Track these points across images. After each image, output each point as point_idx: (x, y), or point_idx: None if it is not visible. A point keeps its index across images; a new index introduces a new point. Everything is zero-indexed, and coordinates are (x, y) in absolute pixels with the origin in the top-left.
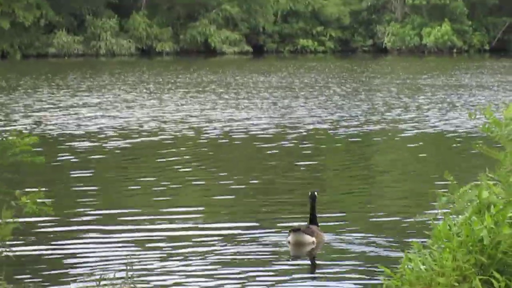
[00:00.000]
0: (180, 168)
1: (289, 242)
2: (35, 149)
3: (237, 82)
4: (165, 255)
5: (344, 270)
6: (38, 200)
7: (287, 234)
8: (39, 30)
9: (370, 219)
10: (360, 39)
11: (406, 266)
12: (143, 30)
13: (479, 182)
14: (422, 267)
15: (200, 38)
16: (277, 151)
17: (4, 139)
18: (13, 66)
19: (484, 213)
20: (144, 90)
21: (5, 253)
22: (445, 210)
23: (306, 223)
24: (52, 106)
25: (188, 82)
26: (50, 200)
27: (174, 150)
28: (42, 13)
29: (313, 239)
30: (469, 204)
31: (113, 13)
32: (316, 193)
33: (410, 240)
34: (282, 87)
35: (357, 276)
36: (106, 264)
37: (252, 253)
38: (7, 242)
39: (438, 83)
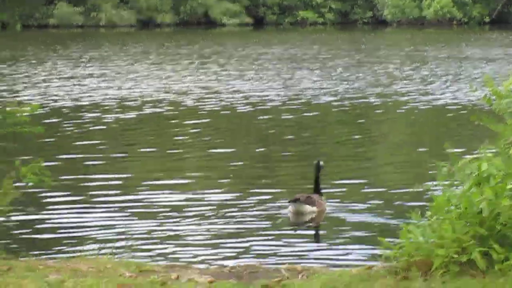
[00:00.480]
0: (182, 139)
1: (290, 212)
2: (39, 120)
3: (240, 54)
4: (164, 223)
5: (343, 240)
6: (38, 171)
7: (287, 204)
8: (39, 1)
9: (371, 189)
10: (359, 11)
11: (405, 238)
12: (144, 1)
13: (479, 154)
14: (421, 238)
15: (200, 9)
16: (279, 122)
17: (3, 108)
18: (14, 36)
19: (484, 185)
20: (147, 61)
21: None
22: (445, 182)
23: (308, 192)
24: (56, 76)
25: (189, 53)
26: (48, 169)
27: (176, 121)
28: None
29: (314, 208)
30: (469, 175)
31: None
32: (321, 162)
33: (410, 211)
34: (284, 59)
35: (357, 247)
36: (106, 233)
37: (251, 222)
38: (7, 213)
39: (441, 55)
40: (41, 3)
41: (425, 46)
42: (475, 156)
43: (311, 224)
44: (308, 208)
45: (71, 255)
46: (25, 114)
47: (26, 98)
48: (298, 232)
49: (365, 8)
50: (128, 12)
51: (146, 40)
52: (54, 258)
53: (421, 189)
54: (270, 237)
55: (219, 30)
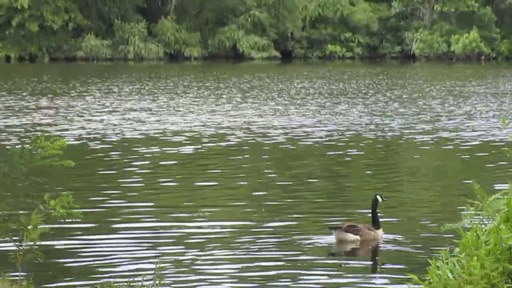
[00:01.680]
0: (244, 174)
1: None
2: (81, 152)
3: (278, 88)
4: (194, 254)
5: (373, 274)
6: (67, 204)
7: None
8: (67, 34)
9: (403, 223)
10: (388, 45)
11: (434, 274)
12: (171, 34)
13: (508, 190)
14: (450, 275)
15: (228, 43)
16: (327, 157)
17: (32, 142)
18: (43, 69)
19: None
20: (189, 95)
21: (33, 256)
22: (473, 219)
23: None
24: (98, 110)
25: (228, 87)
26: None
27: (221, 156)
28: (70, 16)
29: (356, 237)
30: (497, 212)
31: (141, 17)
32: (378, 196)
33: (438, 247)
34: (325, 93)
35: (387, 281)
36: (135, 264)
37: (282, 253)
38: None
39: (480, 91)
40: (69, 36)
41: (461, 81)
42: (504, 191)
43: (346, 254)
44: (350, 236)
45: (100, 285)
46: (55, 148)
47: (68, 131)
48: (328, 263)
49: (393, 43)
50: (155, 46)
51: (180, 74)
52: None
53: (448, 228)
54: (299, 269)
55: (248, 63)
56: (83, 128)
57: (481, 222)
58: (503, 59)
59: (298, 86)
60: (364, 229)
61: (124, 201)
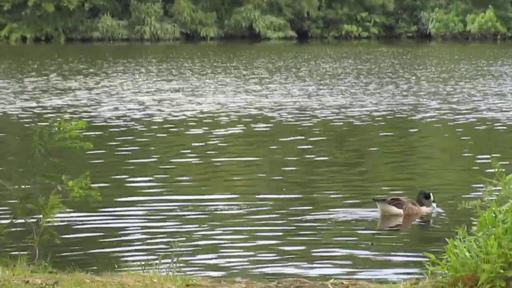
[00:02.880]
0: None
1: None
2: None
3: (306, 68)
4: (212, 235)
5: (391, 254)
6: (85, 185)
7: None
8: (83, 14)
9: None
10: (404, 25)
11: (451, 253)
12: (188, 14)
13: None
14: (467, 254)
15: (244, 23)
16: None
17: (51, 123)
18: (63, 50)
19: None
20: (221, 75)
21: (51, 237)
22: (491, 198)
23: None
24: (133, 90)
25: (258, 67)
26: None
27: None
28: None
29: (400, 211)
30: None
31: None
32: (425, 193)
33: (457, 226)
34: (356, 73)
35: (404, 260)
36: (152, 247)
37: (300, 234)
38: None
39: (507, 70)
40: (85, 17)
41: (486, 60)
42: None
43: (376, 231)
44: (393, 209)
45: (118, 269)
46: (76, 130)
47: (102, 112)
48: (345, 244)
49: (409, 22)
50: (172, 26)
51: (202, 54)
52: (101, 273)
53: (466, 207)
54: (317, 249)
55: (264, 43)
56: (116, 108)
57: (500, 200)
58: None
59: (326, 66)
60: (408, 204)
61: (145, 179)
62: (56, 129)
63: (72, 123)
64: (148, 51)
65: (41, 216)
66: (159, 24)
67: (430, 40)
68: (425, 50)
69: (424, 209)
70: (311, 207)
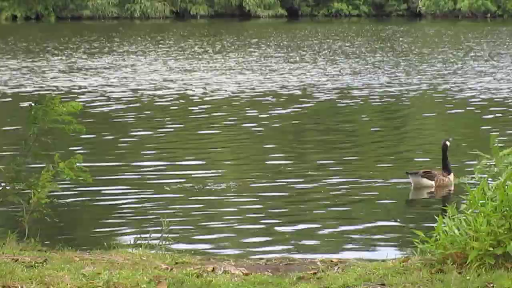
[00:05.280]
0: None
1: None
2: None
3: (316, 47)
4: (201, 215)
5: (380, 232)
6: (75, 166)
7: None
8: None
9: (403, 183)
10: (394, 3)
11: (440, 231)
12: None
13: None
14: (457, 231)
15: (234, 1)
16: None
17: (46, 103)
18: (58, 29)
19: None
20: (232, 54)
21: (40, 215)
22: (483, 175)
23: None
24: (147, 68)
25: (267, 45)
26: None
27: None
28: None
29: (431, 182)
30: (506, 168)
31: None
32: (447, 142)
33: (446, 204)
34: (364, 52)
35: (394, 239)
36: (142, 225)
37: (289, 213)
38: (43, 205)
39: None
40: None
41: (484, 38)
42: None
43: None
44: (425, 181)
45: (107, 247)
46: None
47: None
48: (333, 223)
49: (399, 0)
50: (162, 4)
51: (201, 33)
52: (90, 250)
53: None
54: (305, 228)
55: (255, 21)
56: (132, 90)
57: (492, 176)
58: (509, 17)
59: (337, 44)
60: (439, 176)
61: (136, 159)
62: (50, 109)
63: (71, 105)
64: (146, 30)
65: (31, 194)
66: (149, 3)
67: (420, 19)
68: (425, 29)
69: (452, 177)
70: (302, 185)
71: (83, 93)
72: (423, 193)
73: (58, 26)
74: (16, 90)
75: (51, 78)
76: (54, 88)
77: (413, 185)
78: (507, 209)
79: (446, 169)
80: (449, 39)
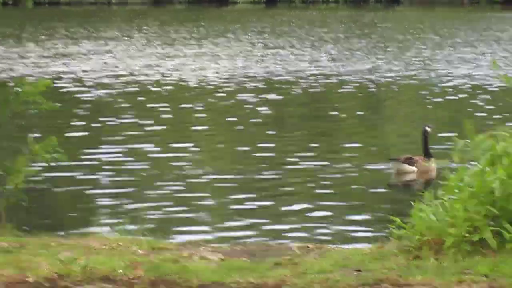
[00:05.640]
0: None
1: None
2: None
3: (297, 34)
4: (178, 200)
5: (356, 218)
6: (51, 149)
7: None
8: None
9: (383, 169)
10: None
11: (417, 217)
12: None
13: (494, 133)
14: (433, 217)
15: None
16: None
17: (16, 84)
18: (29, 13)
19: (497, 164)
20: (216, 40)
21: (17, 200)
22: (459, 161)
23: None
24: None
25: (255, 33)
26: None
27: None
28: None
29: (413, 168)
30: (483, 154)
31: None
32: (427, 128)
33: (423, 190)
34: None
35: (370, 225)
36: (118, 211)
37: (265, 200)
38: (19, 190)
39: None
40: None
41: (467, 25)
42: (490, 133)
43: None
44: (407, 168)
45: (84, 232)
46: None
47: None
48: (311, 208)
49: None
50: None
51: (185, 19)
52: (67, 236)
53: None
54: (282, 215)
55: (232, 8)
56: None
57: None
58: (486, 3)
59: (318, 31)
60: (420, 161)
61: (114, 144)
62: (20, 90)
63: (40, 84)
64: (131, 16)
65: (7, 179)
66: None
67: (398, 4)
68: (411, 16)
69: (434, 163)
70: (281, 171)
71: (63, 79)
72: (405, 179)
73: (36, 11)
74: None
75: (32, 63)
76: (35, 74)
77: (394, 171)
78: (484, 195)
79: (427, 154)
80: (429, 25)
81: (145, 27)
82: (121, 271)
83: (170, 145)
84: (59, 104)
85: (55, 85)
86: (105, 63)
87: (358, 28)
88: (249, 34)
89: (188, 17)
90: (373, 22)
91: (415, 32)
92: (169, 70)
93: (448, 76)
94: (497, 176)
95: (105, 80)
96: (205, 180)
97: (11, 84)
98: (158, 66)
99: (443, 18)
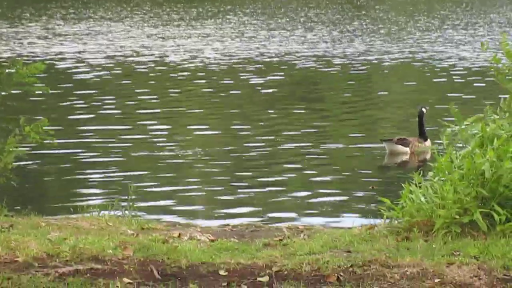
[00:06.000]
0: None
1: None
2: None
3: (281, 12)
4: (168, 181)
5: (346, 199)
6: (41, 130)
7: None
8: None
9: (375, 149)
10: None
11: (406, 198)
12: None
13: (484, 115)
14: (423, 199)
15: None
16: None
17: (9, 65)
18: None
19: (487, 146)
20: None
21: (7, 180)
22: (448, 142)
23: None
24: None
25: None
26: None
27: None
28: None
29: (406, 149)
30: (473, 136)
31: None
32: (423, 109)
33: (413, 172)
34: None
35: (359, 206)
36: (108, 191)
37: (256, 181)
38: (9, 170)
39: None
40: None
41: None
42: (480, 116)
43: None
44: (400, 148)
45: (73, 212)
46: (30, 72)
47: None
48: (300, 190)
49: None
50: None
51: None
52: (56, 216)
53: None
54: (273, 195)
55: None
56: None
57: (457, 145)
58: None
59: (312, 12)
60: (414, 142)
61: (104, 123)
62: (15, 72)
63: (33, 66)
64: None
65: None
66: None
67: None
68: None
69: (429, 144)
70: (271, 152)
71: (61, 59)
72: (397, 159)
73: None
74: None
75: (28, 43)
76: (32, 54)
77: (388, 152)
78: (474, 177)
79: (423, 135)
80: (424, 7)
81: (141, 8)
82: (110, 251)
83: (163, 126)
84: (51, 89)
85: (56, 66)
86: (101, 44)
87: (355, 9)
88: (246, 14)
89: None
90: (368, 3)
91: (412, 14)
92: (164, 51)
93: (444, 58)
94: (486, 158)
95: (101, 61)
96: (197, 161)
97: (4, 64)
98: (152, 48)
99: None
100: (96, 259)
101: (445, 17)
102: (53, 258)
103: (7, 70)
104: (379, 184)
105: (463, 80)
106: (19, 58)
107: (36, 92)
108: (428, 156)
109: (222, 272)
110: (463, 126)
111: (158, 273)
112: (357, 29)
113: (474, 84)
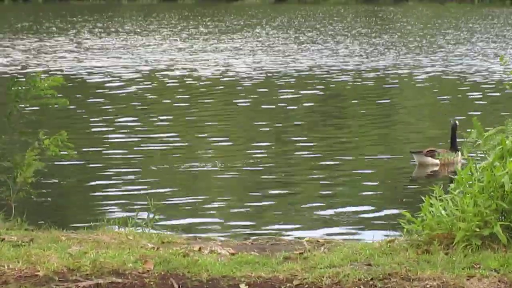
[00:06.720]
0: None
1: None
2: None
3: (332, 29)
4: (189, 194)
5: (367, 213)
6: (61, 143)
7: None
8: None
9: (394, 164)
10: None
11: (427, 212)
12: None
13: (504, 128)
14: (443, 212)
15: None
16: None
17: (27, 80)
18: (41, 9)
19: (507, 159)
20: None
21: (27, 194)
22: (470, 154)
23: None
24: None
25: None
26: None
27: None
28: None
29: (435, 161)
30: (493, 148)
31: None
32: (456, 122)
33: (434, 185)
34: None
35: (380, 220)
36: (129, 205)
37: (275, 194)
38: (30, 183)
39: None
40: None
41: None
42: (501, 128)
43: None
44: (430, 160)
45: (93, 226)
46: (49, 86)
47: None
48: (320, 204)
49: None
50: None
51: (203, 14)
52: (77, 230)
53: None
54: (293, 208)
55: (241, 3)
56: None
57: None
58: None
59: (337, 26)
60: (444, 154)
61: (123, 137)
62: (32, 85)
63: (52, 79)
64: (157, 11)
65: (17, 173)
66: None
67: (407, 0)
68: (432, 10)
69: (459, 156)
70: (290, 167)
71: (92, 73)
72: (427, 171)
73: (46, 7)
74: (24, 70)
75: (59, 57)
76: (62, 68)
77: (417, 164)
78: (494, 190)
79: (454, 148)
80: (451, 19)
81: (164, 22)
82: (131, 265)
83: (185, 139)
84: (66, 100)
85: (75, 77)
86: (123, 58)
87: (380, 24)
88: (272, 28)
89: (201, 12)
90: (389, 17)
91: (440, 27)
92: (190, 64)
93: (470, 71)
94: (506, 170)
95: (127, 75)
96: (217, 175)
97: (23, 79)
98: (178, 61)
99: (460, 14)
100: (116, 273)
101: (473, 29)
102: (73, 272)
103: (26, 84)
104: (408, 196)
105: (496, 94)
106: (37, 72)
107: (55, 106)
108: (458, 168)
109: (242, 286)
110: (483, 138)
111: (179, 286)
112: (387, 41)
113: (507, 97)
